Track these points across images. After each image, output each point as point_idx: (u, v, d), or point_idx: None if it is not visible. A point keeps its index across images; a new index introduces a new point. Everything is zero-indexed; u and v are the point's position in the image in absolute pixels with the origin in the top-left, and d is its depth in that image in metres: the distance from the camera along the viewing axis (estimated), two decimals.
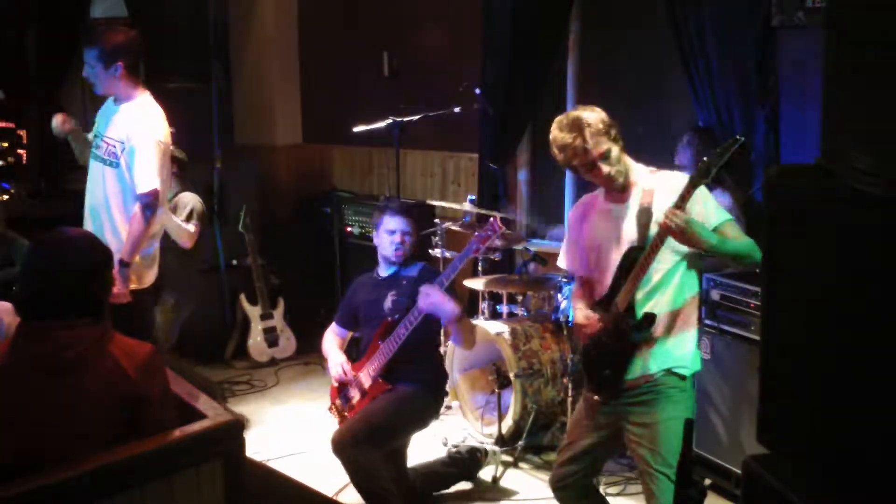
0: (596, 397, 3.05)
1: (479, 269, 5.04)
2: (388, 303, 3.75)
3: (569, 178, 5.53)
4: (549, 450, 4.32)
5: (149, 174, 3.75)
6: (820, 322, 1.81)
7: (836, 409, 1.78)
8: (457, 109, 5.18)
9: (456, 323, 3.59)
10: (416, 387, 3.69)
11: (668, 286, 2.93)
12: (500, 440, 4.38)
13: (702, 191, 2.87)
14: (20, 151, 6.38)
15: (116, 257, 3.78)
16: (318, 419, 4.89)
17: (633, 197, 2.98)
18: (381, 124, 4.99)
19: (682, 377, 2.96)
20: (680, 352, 2.96)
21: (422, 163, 6.13)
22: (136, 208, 3.77)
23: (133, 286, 3.85)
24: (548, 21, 5.15)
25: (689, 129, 4.50)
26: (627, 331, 2.91)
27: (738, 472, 3.44)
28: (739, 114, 4.44)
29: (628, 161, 2.99)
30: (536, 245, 4.99)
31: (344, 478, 3.79)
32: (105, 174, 3.86)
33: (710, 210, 2.91)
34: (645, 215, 2.90)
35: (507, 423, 4.37)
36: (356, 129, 5.04)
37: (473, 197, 5.00)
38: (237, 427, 2.45)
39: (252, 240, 5.70)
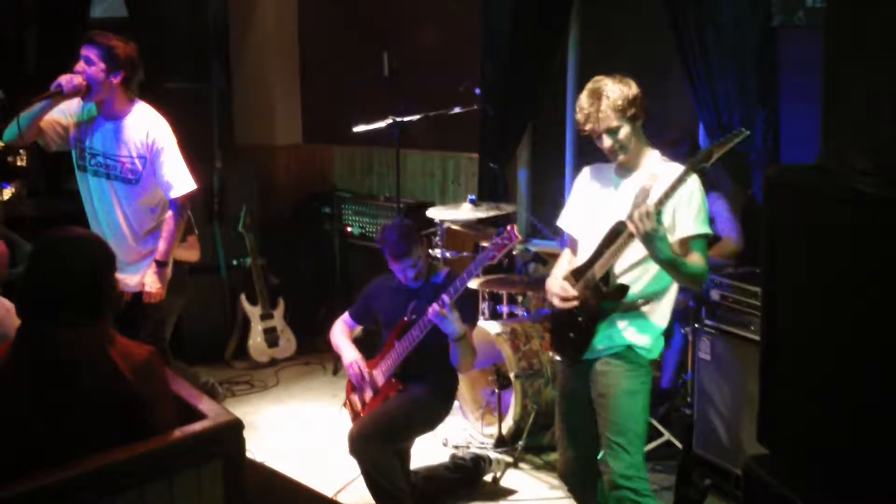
0: (557, 357, 3.11)
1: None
2: (409, 306, 3.76)
3: (569, 178, 5.53)
4: (549, 450, 4.32)
5: (182, 175, 3.88)
6: (820, 322, 1.81)
7: (836, 409, 1.78)
8: (457, 109, 5.17)
9: (456, 341, 3.58)
10: (428, 389, 3.70)
11: (650, 268, 2.95)
12: (501, 440, 4.38)
13: (695, 191, 2.88)
14: (20, 151, 6.38)
15: (143, 259, 3.89)
16: (318, 419, 4.89)
17: (638, 175, 3.00)
18: (381, 124, 4.98)
19: (643, 358, 3.01)
20: (645, 333, 3.00)
21: (422, 163, 6.13)
22: (170, 211, 3.89)
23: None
24: (548, 21, 5.15)
25: (683, 132, 4.53)
26: (598, 298, 2.96)
27: (738, 472, 3.44)
28: (739, 114, 4.44)
29: (643, 143, 3.03)
30: (536, 245, 4.99)
31: (344, 478, 3.80)
32: (116, 190, 3.89)
33: (693, 216, 2.90)
34: (642, 196, 2.90)
35: (508, 423, 4.37)
36: (356, 129, 5.04)
37: (474, 197, 5.00)
38: (237, 427, 2.45)
39: (252, 240, 5.70)
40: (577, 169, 5.57)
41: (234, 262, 5.83)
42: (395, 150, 5.11)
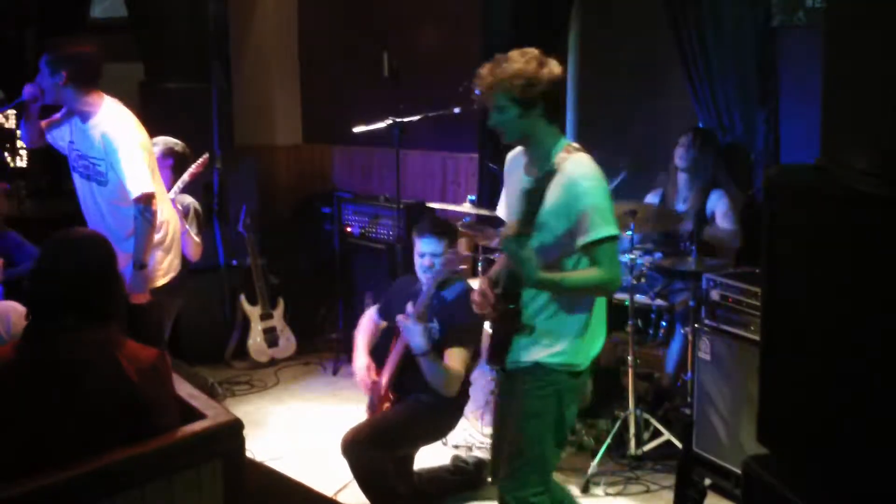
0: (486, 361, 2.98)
1: (479, 269, 5.04)
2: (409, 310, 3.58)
3: None
4: None
5: (138, 178, 3.76)
6: (820, 322, 1.81)
7: (836, 409, 1.78)
8: (457, 110, 5.17)
9: (420, 356, 3.43)
10: (434, 398, 3.55)
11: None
12: None
13: (589, 190, 2.62)
14: (20, 151, 6.38)
15: (129, 262, 3.81)
16: (318, 419, 4.89)
17: (538, 170, 2.76)
18: (381, 125, 4.98)
19: (555, 374, 2.80)
20: (557, 346, 2.78)
21: (422, 163, 6.13)
22: (136, 213, 3.79)
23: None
24: (548, 21, 5.15)
25: (689, 130, 4.51)
26: (501, 306, 2.76)
27: (738, 472, 3.44)
28: (739, 114, 4.45)
29: (543, 132, 2.73)
30: None
31: (344, 478, 3.79)
32: (95, 191, 3.89)
33: (588, 221, 2.63)
34: (523, 204, 2.69)
35: None
36: (356, 130, 5.03)
37: (474, 197, 5.00)
38: (237, 427, 2.45)
39: (252, 240, 5.70)
40: None
41: (234, 262, 5.83)
42: (395, 150, 5.11)
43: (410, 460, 3.81)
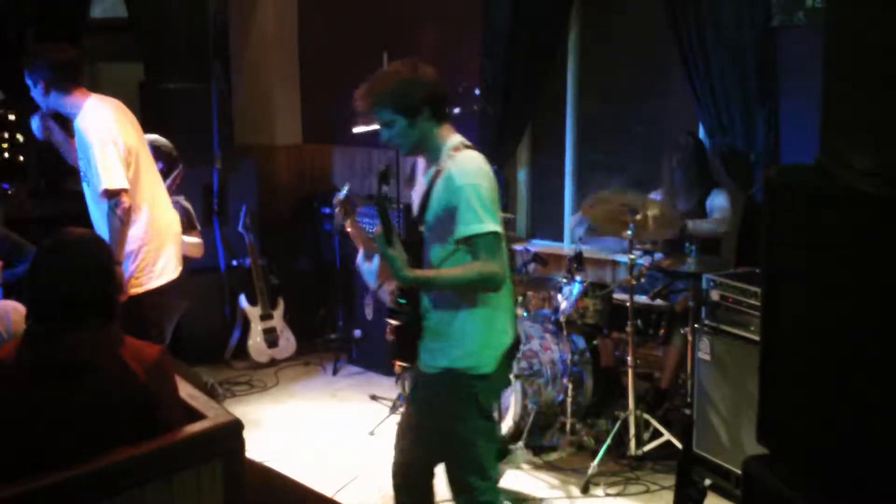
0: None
1: None
2: None
3: (569, 178, 5.54)
4: (549, 450, 4.32)
5: (106, 172, 3.71)
6: (820, 322, 1.81)
7: (836, 409, 1.78)
8: (457, 110, 5.17)
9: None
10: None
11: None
12: (500, 440, 4.38)
13: (464, 186, 2.59)
14: (20, 151, 6.37)
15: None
16: (318, 419, 4.89)
17: (431, 170, 2.76)
18: None
19: (464, 374, 2.74)
20: (459, 349, 2.73)
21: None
22: (107, 209, 3.74)
23: (135, 290, 3.86)
24: (548, 21, 5.15)
25: (673, 149, 4.55)
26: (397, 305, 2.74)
27: (738, 472, 3.44)
28: (739, 114, 4.45)
29: (435, 136, 2.71)
30: (536, 245, 4.99)
31: (344, 478, 3.79)
32: (87, 191, 3.89)
33: (461, 216, 2.60)
34: (426, 197, 2.70)
35: (508, 423, 4.37)
36: (356, 130, 5.03)
37: None
38: (237, 427, 2.45)
39: (252, 240, 5.71)
40: (577, 169, 5.59)
41: (234, 263, 5.83)
42: (395, 150, 5.10)
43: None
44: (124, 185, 3.74)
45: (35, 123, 3.99)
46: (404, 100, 2.65)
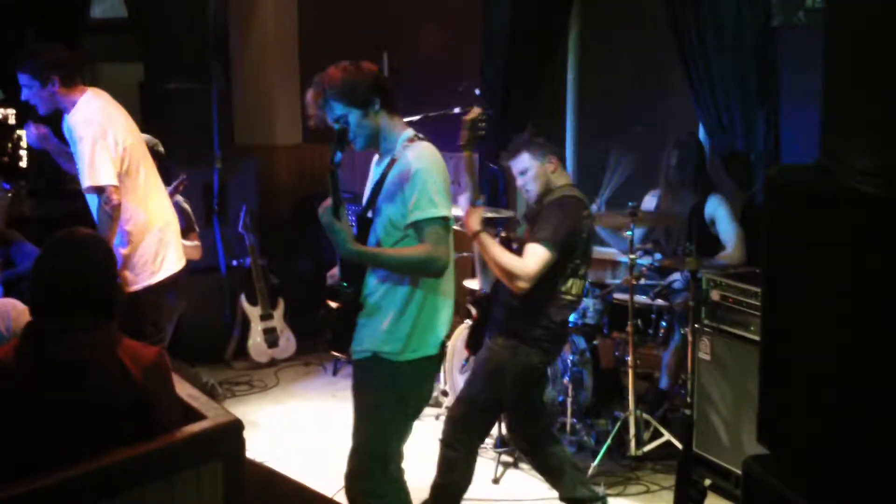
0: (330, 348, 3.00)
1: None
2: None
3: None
4: None
5: (92, 168, 3.70)
6: (820, 322, 1.81)
7: (835, 409, 1.78)
8: (457, 109, 5.17)
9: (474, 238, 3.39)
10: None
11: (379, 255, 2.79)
12: (501, 440, 4.37)
13: (418, 171, 2.68)
14: (20, 151, 6.38)
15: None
16: (318, 419, 4.89)
17: (385, 160, 2.85)
18: None
19: (389, 360, 2.79)
20: (391, 334, 2.78)
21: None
22: (97, 205, 3.74)
23: (133, 287, 3.85)
24: (548, 21, 5.15)
25: (673, 145, 4.55)
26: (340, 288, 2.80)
27: (738, 472, 3.44)
28: (739, 114, 4.45)
29: (388, 125, 2.81)
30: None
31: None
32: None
33: (406, 203, 2.70)
34: (379, 184, 2.79)
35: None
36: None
37: None
38: (237, 427, 2.45)
39: (252, 240, 5.71)
40: (577, 169, 5.59)
41: (234, 263, 5.83)
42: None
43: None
44: (112, 181, 3.72)
45: (29, 131, 3.97)
46: (354, 92, 2.74)
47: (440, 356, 2.92)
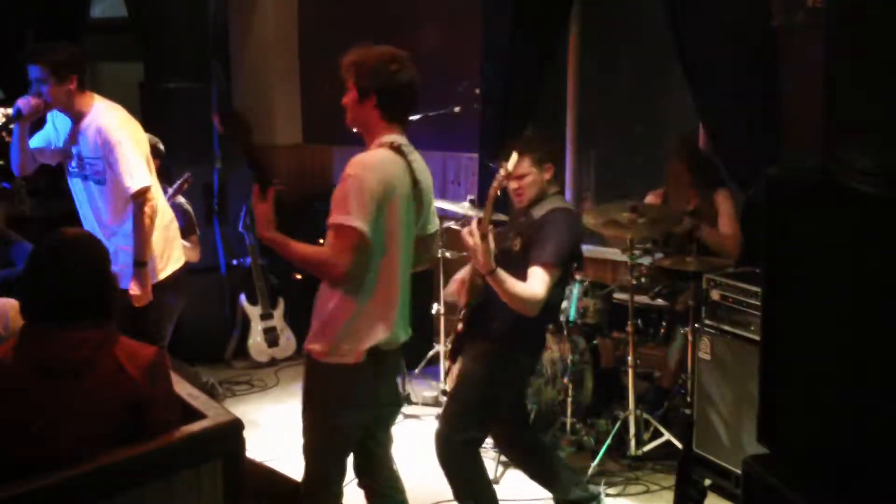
0: None
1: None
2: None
3: (568, 178, 5.54)
4: None
5: (134, 172, 3.73)
6: (820, 322, 1.81)
7: (835, 409, 1.78)
8: (457, 109, 5.17)
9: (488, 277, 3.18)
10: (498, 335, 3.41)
11: None
12: None
13: (354, 179, 2.77)
14: None
15: (131, 260, 3.79)
16: None
17: None
18: None
19: (318, 361, 2.77)
20: (321, 334, 2.78)
21: None
22: (134, 209, 3.76)
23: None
24: (548, 21, 5.15)
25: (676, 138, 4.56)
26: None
27: (738, 472, 3.44)
28: (739, 114, 4.45)
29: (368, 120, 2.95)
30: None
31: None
32: (94, 192, 3.87)
33: (339, 204, 2.80)
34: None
35: None
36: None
37: (473, 197, 5.00)
38: (237, 427, 2.45)
39: (252, 239, 5.71)
40: (577, 168, 5.59)
41: (235, 262, 5.83)
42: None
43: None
44: (149, 182, 3.77)
45: (25, 99, 3.87)
46: (367, 81, 3.01)
47: (394, 361, 2.92)
